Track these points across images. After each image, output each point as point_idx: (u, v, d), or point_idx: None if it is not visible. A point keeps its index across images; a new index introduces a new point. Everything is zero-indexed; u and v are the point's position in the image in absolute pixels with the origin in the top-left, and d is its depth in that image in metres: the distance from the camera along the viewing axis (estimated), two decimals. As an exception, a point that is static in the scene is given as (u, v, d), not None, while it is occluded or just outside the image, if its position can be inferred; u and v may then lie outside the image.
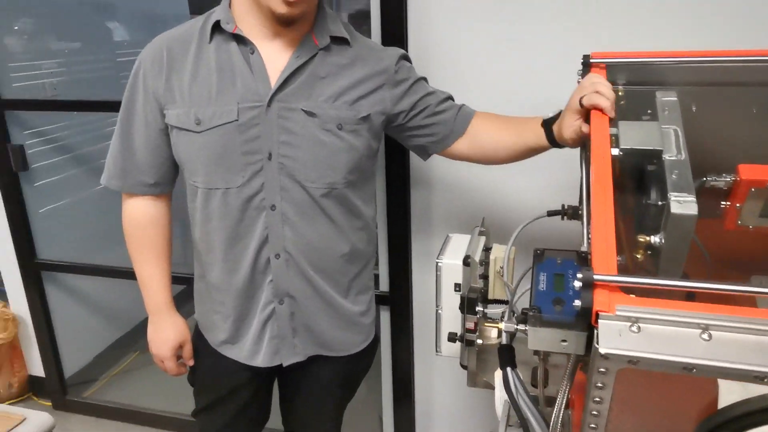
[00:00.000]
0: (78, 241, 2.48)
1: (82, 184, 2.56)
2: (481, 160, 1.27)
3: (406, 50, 1.50)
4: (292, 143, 1.13)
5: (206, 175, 1.15)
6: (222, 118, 1.11)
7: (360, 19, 1.77)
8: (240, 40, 1.12)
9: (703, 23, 1.31)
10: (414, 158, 1.59)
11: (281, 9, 1.04)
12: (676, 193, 0.78)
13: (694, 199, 0.77)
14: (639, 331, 0.61)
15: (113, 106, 2.20)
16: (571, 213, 1.20)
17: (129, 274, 2.08)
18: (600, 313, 0.62)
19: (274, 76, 1.12)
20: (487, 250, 1.31)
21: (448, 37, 1.49)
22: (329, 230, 1.21)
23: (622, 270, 0.92)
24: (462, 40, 1.48)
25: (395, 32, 1.50)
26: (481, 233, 1.32)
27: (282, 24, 1.10)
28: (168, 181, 1.27)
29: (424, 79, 1.26)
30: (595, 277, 0.64)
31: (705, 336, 0.60)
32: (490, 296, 1.26)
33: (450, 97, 1.27)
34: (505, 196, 1.56)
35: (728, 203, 0.92)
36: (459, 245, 1.28)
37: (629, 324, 0.62)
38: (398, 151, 1.60)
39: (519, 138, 1.17)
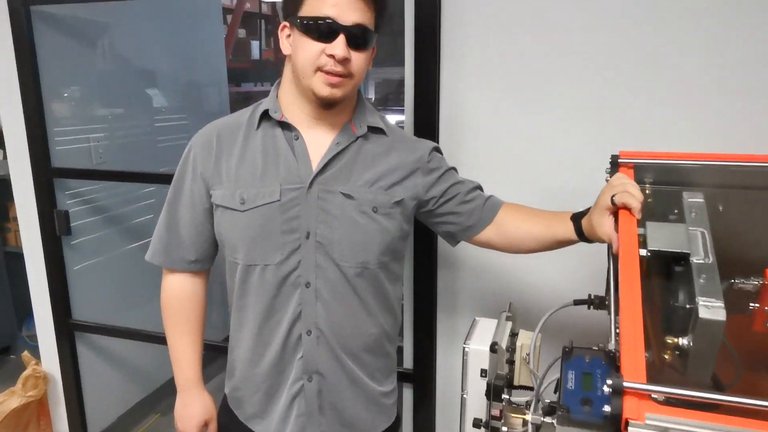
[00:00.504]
0: (110, 298, 2.54)
1: (115, 244, 2.63)
2: (507, 249, 1.31)
3: (438, 138, 1.57)
4: (330, 223, 1.19)
5: (247, 252, 1.20)
6: (265, 198, 1.18)
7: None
8: (285, 126, 1.21)
9: (730, 126, 1.35)
10: (441, 243, 1.63)
11: (324, 91, 1.12)
12: (704, 298, 0.80)
13: (723, 305, 0.78)
14: (669, 441, 0.62)
15: (153, 178, 2.36)
16: (598, 303, 1.21)
17: (158, 338, 2.17)
18: (630, 420, 0.63)
19: (316, 160, 1.20)
20: (513, 335, 1.31)
21: (480, 125, 1.55)
22: (360, 311, 1.25)
23: (650, 367, 0.93)
24: (494, 130, 1.54)
25: (428, 120, 1.57)
26: (507, 318, 1.34)
27: (324, 107, 1.18)
28: (207, 259, 1.32)
29: (455, 169, 1.32)
30: (625, 384, 0.65)
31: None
32: (516, 382, 1.26)
33: (479, 187, 1.33)
34: (532, 282, 1.58)
35: (757, 305, 0.92)
36: (486, 330, 1.29)
37: (660, 433, 0.62)
38: (426, 233, 1.64)
39: (547, 230, 1.21)
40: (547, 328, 1.31)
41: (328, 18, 1.08)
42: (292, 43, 1.15)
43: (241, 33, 4.79)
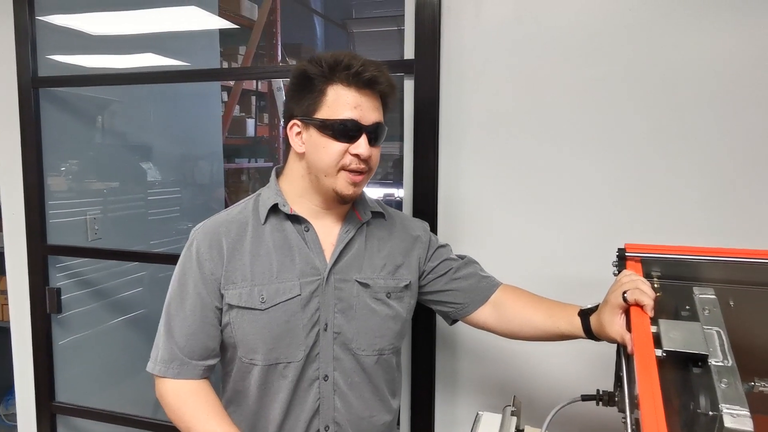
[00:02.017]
0: (95, 375, 2.45)
1: (103, 318, 2.56)
2: (505, 334, 1.28)
3: (437, 219, 1.56)
4: (346, 312, 1.20)
5: (268, 352, 1.17)
6: (285, 294, 1.17)
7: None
8: (294, 218, 1.21)
9: (736, 222, 1.36)
10: (440, 323, 1.59)
11: (348, 191, 1.15)
12: (728, 405, 0.76)
13: (749, 414, 0.75)
14: None
15: (150, 258, 2.33)
16: (607, 399, 1.17)
17: (143, 424, 2.07)
18: None
19: (328, 250, 1.21)
20: (518, 431, 1.26)
21: (478, 209, 1.55)
22: (375, 400, 1.25)
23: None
24: (492, 214, 1.53)
25: (427, 211, 1.57)
26: (512, 413, 1.28)
27: (340, 202, 1.20)
28: (214, 363, 1.23)
29: (448, 246, 1.35)
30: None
31: None
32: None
33: (474, 262, 1.33)
34: (537, 373, 1.53)
35: (778, 410, 0.89)
36: (490, 426, 1.24)
37: None
38: (425, 311, 1.59)
39: (550, 320, 1.18)
40: (553, 424, 1.26)
41: (352, 120, 1.11)
42: (308, 141, 1.16)
43: (236, 109, 4.89)
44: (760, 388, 0.89)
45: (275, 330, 1.16)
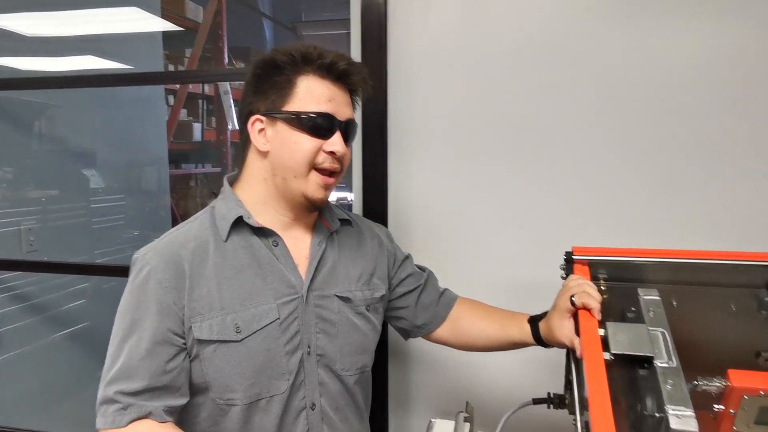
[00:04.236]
0: (31, 394, 2.33)
1: (39, 334, 2.44)
2: (459, 347, 1.27)
3: (387, 224, 1.54)
4: (329, 331, 1.10)
5: (248, 388, 1.02)
6: (263, 319, 1.03)
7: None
8: (261, 232, 1.07)
9: (684, 220, 1.39)
10: (392, 332, 1.57)
11: (318, 194, 1.04)
12: (673, 407, 0.77)
13: (694, 414, 0.76)
14: None
15: (86, 269, 2.23)
16: (557, 402, 1.18)
17: None
18: None
19: (302, 265, 1.10)
20: (472, 438, 1.25)
21: (429, 214, 1.54)
22: (356, 419, 1.18)
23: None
24: (444, 218, 1.53)
25: (378, 206, 1.55)
26: (465, 420, 1.28)
27: (309, 209, 1.09)
28: (181, 404, 1.03)
29: (411, 256, 1.31)
30: None
31: None
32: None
33: (433, 276, 1.31)
34: (489, 379, 1.53)
35: (722, 407, 0.90)
36: (443, 433, 1.23)
37: None
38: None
39: (502, 330, 1.17)
40: (506, 428, 1.25)
41: (327, 113, 1.02)
42: (274, 138, 1.03)
43: (182, 113, 4.76)
44: (703, 387, 0.90)
45: (255, 362, 1.02)
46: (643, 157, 1.38)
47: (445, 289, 1.29)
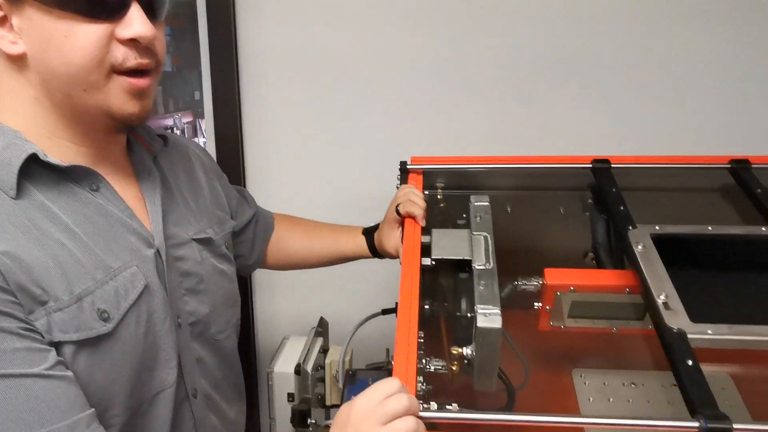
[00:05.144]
0: None
1: None
2: (287, 268, 1.17)
3: (243, 144, 1.47)
4: (197, 289, 0.85)
5: (128, 397, 0.74)
6: (130, 291, 0.73)
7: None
8: (68, 175, 0.73)
9: (523, 128, 1.41)
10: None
11: (130, 108, 0.71)
12: (482, 306, 0.78)
13: (499, 312, 0.78)
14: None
15: None
16: (405, 311, 1.20)
17: None
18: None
19: (139, 209, 0.79)
20: (324, 352, 1.26)
21: (282, 130, 1.48)
22: (235, 391, 0.97)
23: (442, 381, 0.92)
24: (296, 135, 1.47)
25: (231, 126, 1.47)
26: (318, 334, 1.28)
27: (120, 130, 0.77)
28: None
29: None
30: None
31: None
32: (329, 402, 1.21)
33: (249, 194, 1.13)
34: (344, 294, 1.53)
35: (539, 305, 0.94)
36: (294, 350, 1.23)
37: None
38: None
39: (335, 245, 1.13)
40: (362, 342, 1.27)
41: None
42: (29, 33, 0.66)
43: None
44: (523, 287, 0.93)
45: (135, 355, 0.73)
46: (486, 67, 1.37)
47: (257, 213, 1.11)
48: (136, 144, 0.84)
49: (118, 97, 0.70)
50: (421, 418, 0.59)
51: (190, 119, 1.49)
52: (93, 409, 0.67)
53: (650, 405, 1.01)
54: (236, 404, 0.97)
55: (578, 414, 0.94)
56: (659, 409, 1.00)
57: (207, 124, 1.49)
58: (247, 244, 1.08)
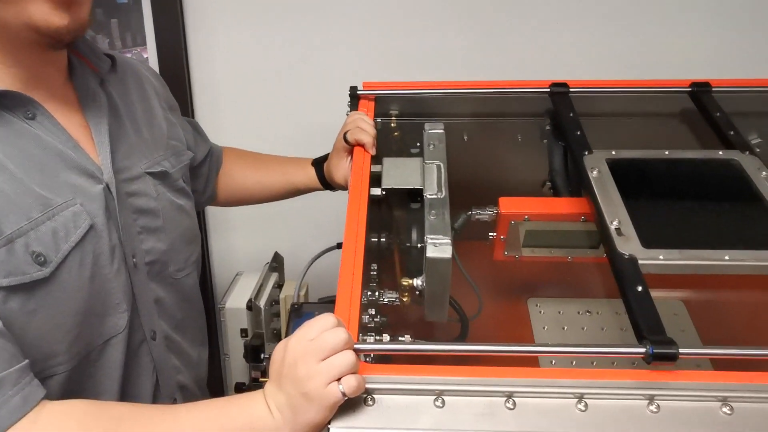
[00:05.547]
0: None
1: None
2: (238, 203, 1.12)
3: (189, 74, 1.38)
4: (153, 226, 0.80)
5: (72, 344, 0.69)
6: (71, 231, 0.67)
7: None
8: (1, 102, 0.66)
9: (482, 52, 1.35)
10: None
11: (56, 20, 0.63)
12: (432, 236, 0.75)
13: (449, 242, 0.75)
14: (374, 403, 0.56)
15: None
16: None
17: None
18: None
19: (82, 139, 0.72)
20: (279, 287, 1.24)
21: (230, 58, 1.39)
22: (198, 330, 0.94)
23: (398, 313, 0.90)
24: (244, 63, 1.39)
25: (175, 50, 1.37)
26: (273, 269, 1.25)
27: (55, 47, 0.69)
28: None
29: None
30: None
31: (438, 403, 0.56)
32: (283, 337, 1.19)
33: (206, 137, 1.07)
34: (300, 227, 1.50)
35: (494, 235, 0.92)
36: (247, 286, 1.20)
37: (364, 396, 0.57)
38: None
39: (284, 178, 1.07)
40: (318, 276, 1.24)
41: None
42: None
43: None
44: (476, 216, 0.91)
45: (77, 301, 0.69)
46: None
47: (210, 148, 1.05)
48: (80, 65, 0.76)
49: (40, 7, 0.62)
50: (356, 351, 0.56)
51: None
52: (26, 361, 0.62)
53: (604, 332, 1.02)
54: (199, 344, 0.94)
55: (530, 343, 0.93)
56: (613, 336, 1.01)
57: (150, 56, 1.39)
58: (202, 179, 1.02)
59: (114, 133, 0.76)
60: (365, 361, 0.60)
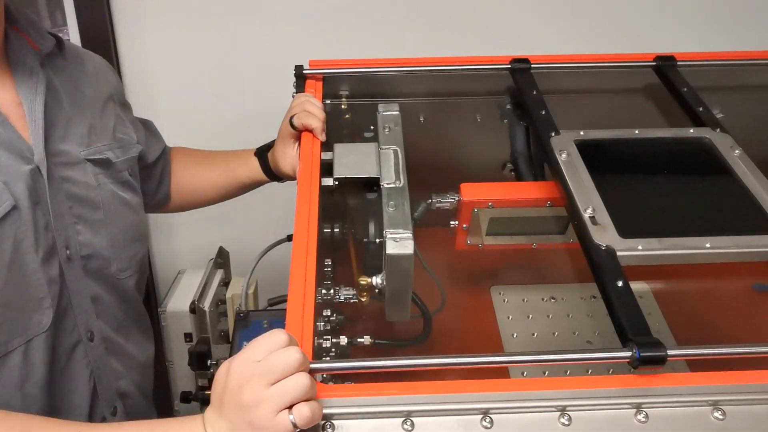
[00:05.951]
0: None
1: None
2: (187, 207, 1.03)
3: (119, 64, 1.26)
4: (91, 218, 0.74)
5: None
6: None
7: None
8: None
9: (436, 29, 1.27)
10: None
11: None
12: (391, 230, 0.69)
13: (411, 236, 0.68)
14: (334, 431, 0.49)
15: None
16: (315, 236, 1.09)
17: None
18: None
19: (14, 116, 0.68)
20: (225, 284, 1.15)
21: (160, 42, 1.27)
22: (141, 333, 0.87)
23: (355, 310, 0.83)
24: (175, 49, 1.27)
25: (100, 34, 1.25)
26: (218, 266, 1.16)
27: None
28: None
29: None
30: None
31: (407, 425, 0.50)
32: (231, 339, 1.11)
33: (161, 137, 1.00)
34: (246, 221, 1.40)
35: (456, 223, 0.86)
36: (190, 285, 1.11)
37: (322, 422, 0.50)
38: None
39: (228, 172, 0.97)
40: (267, 272, 1.15)
41: None
42: None
43: None
44: (437, 204, 0.84)
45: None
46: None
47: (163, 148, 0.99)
48: (18, 40, 0.71)
49: None
50: (312, 372, 0.49)
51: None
52: None
53: (570, 319, 0.98)
54: (145, 347, 0.88)
55: (501, 353, 0.88)
56: (580, 322, 0.97)
57: (72, 35, 1.25)
58: (155, 179, 0.95)
59: (51, 114, 0.71)
60: (320, 380, 0.52)
